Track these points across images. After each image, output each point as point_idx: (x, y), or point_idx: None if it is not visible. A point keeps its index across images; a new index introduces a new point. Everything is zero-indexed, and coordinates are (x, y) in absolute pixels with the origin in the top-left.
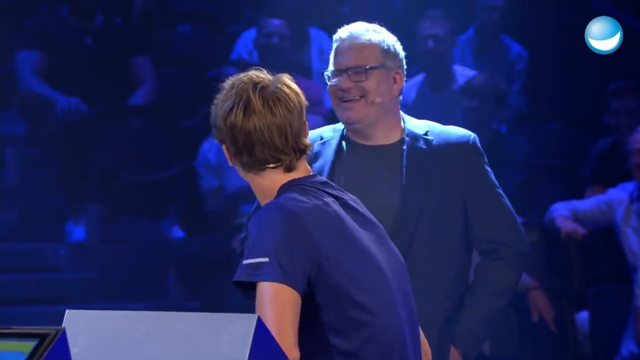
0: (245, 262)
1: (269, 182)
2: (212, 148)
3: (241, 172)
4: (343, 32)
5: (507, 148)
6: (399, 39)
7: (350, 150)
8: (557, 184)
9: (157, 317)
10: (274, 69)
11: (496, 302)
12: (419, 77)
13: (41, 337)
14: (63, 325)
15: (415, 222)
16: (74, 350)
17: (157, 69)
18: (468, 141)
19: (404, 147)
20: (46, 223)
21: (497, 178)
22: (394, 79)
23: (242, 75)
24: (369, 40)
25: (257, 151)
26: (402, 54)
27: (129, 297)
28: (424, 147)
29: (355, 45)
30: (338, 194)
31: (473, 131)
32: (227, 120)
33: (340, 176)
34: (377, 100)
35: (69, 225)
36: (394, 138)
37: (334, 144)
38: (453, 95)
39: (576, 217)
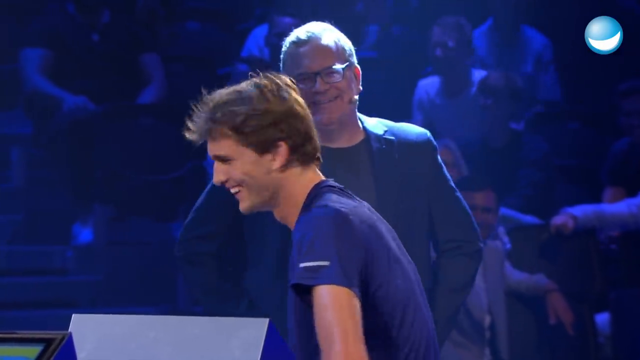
0: (303, 264)
1: (305, 181)
2: None
3: (278, 174)
4: (301, 33)
5: (524, 148)
6: (415, 37)
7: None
8: (575, 185)
9: (166, 322)
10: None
11: (459, 297)
12: (433, 78)
13: (47, 342)
14: (69, 330)
15: (394, 224)
16: (80, 355)
17: (166, 66)
18: (427, 138)
19: (370, 148)
20: (52, 225)
21: (513, 178)
22: (355, 75)
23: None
24: (331, 39)
25: (314, 140)
26: (353, 49)
27: (137, 301)
28: (386, 147)
29: (320, 47)
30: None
31: (489, 130)
32: (283, 108)
33: None
34: (353, 98)
35: (75, 227)
36: (356, 139)
37: None
38: (470, 100)
39: (603, 220)
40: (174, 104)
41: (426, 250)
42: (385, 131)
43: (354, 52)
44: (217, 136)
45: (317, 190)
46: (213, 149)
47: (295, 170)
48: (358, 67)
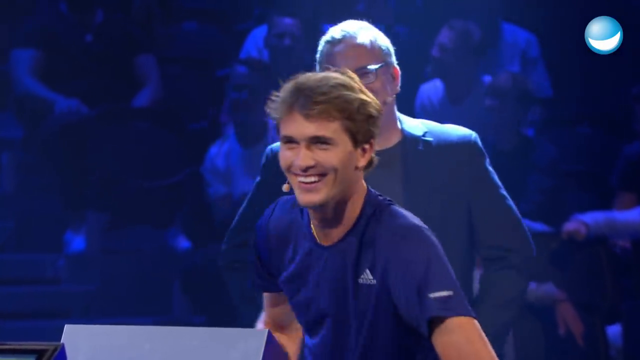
0: (434, 295)
1: (363, 187)
2: (220, 153)
3: (358, 172)
4: (336, 32)
5: (532, 152)
6: (419, 37)
7: None
8: (586, 191)
9: (161, 333)
10: (285, 70)
11: (505, 315)
12: (434, 82)
13: (39, 354)
14: (62, 341)
15: None
16: None
17: (162, 68)
18: (469, 141)
19: (404, 151)
20: (44, 232)
21: (521, 184)
22: (393, 75)
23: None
24: (367, 38)
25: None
26: (392, 49)
27: (132, 311)
28: (422, 149)
29: (354, 46)
30: None
31: (496, 134)
32: (378, 105)
33: None
34: (388, 100)
35: (68, 235)
36: (392, 141)
37: None
38: (474, 105)
39: (615, 227)
40: (170, 107)
41: (460, 262)
42: (425, 132)
43: (392, 51)
44: (325, 116)
45: (374, 200)
46: (313, 129)
47: (363, 174)
48: (397, 67)
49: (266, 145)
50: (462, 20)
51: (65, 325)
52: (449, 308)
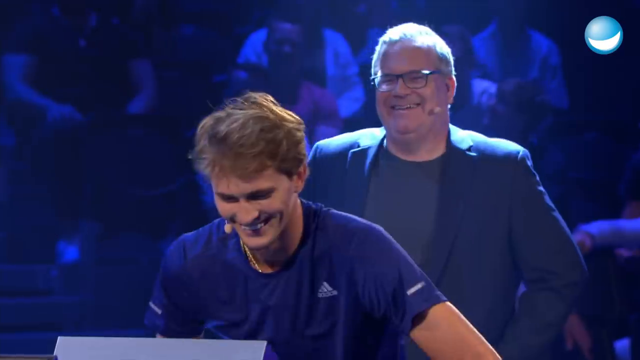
0: (410, 291)
1: (298, 205)
2: None
3: (289, 199)
4: (394, 34)
5: (539, 160)
6: None
7: (388, 165)
8: (594, 200)
9: (157, 345)
10: (285, 77)
11: (539, 338)
12: None
13: None
14: (54, 354)
15: (448, 249)
16: None
17: (157, 73)
18: (516, 158)
19: (445, 165)
20: (36, 242)
21: None
22: (447, 85)
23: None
24: (424, 43)
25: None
26: (452, 58)
27: (127, 323)
28: (465, 164)
29: (410, 48)
30: None
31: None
32: (299, 124)
33: (375, 195)
34: (436, 109)
35: (61, 245)
36: (437, 153)
37: (370, 154)
38: (471, 112)
39: (622, 237)
40: (166, 113)
41: (493, 282)
42: (470, 146)
43: (451, 60)
44: (259, 170)
45: (311, 211)
46: (251, 186)
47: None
48: (453, 78)
49: None
50: (452, 26)
51: (59, 338)
52: (426, 299)
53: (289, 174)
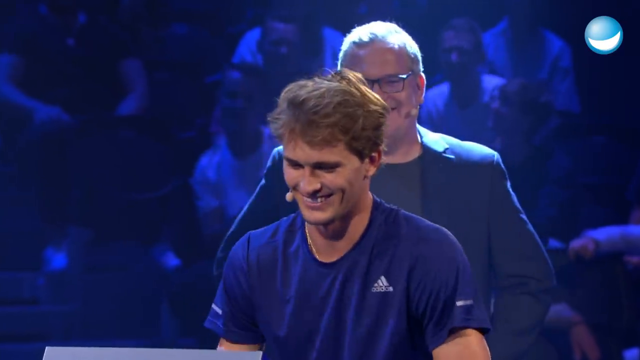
0: (460, 303)
1: (369, 194)
2: (212, 164)
3: (366, 182)
4: (362, 34)
5: (545, 163)
6: (424, 40)
7: None
8: (603, 206)
9: (148, 355)
10: (281, 77)
11: (520, 344)
12: (442, 88)
13: None
14: None
15: None
16: None
17: (148, 73)
18: (492, 161)
19: (424, 167)
20: (22, 249)
21: (533, 198)
22: (418, 85)
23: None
24: (396, 44)
25: None
26: (420, 56)
27: (117, 332)
28: (442, 167)
29: (383, 51)
30: None
31: (506, 144)
32: (382, 109)
33: None
34: (412, 111)
35: (48, 252)
36: (411, 155)
37: None
38: (481, 109)
39: (631, 243)
40: (157, 114)
41: (479, 284)
42: (446, 149)
43: (420, 58)
44: (329, 141)
45: (382, 207)
46: (317, 155)
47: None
48: (423, 75)
49: (260, 156)
50: (461, 18)
51: (46, 348)
52: (471, 318)
53: (361, 155)
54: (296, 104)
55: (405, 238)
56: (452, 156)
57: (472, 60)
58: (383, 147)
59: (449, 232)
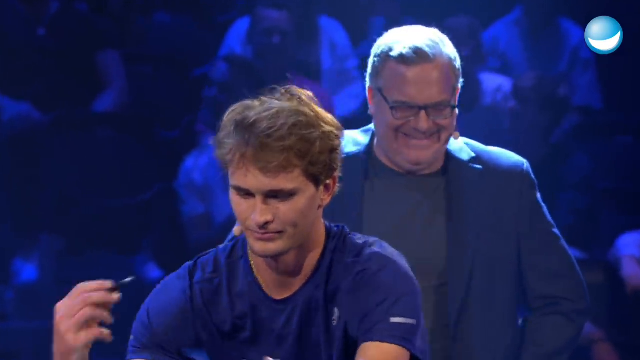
0: (395, 320)
1: (321, 224)
2: (197, 166)
3: (310, 211)
4: (406, 49)
5: (563, 166)
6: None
7: (382, 178)
8: (626, 213)
9: None
10: (273, 71)
11: None
12: None
13: None
14: None
15: (468, 276)
16: None
17: (128, 66)
18: (522, 170)
19: (449, 179)
20: None
21: (550, 203)
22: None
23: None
24: (444, 62)
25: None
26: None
27: (93, 351)
28: (469, 178)
29: (433, 74)
30: None
31: (518, 142)
32: (339, 129)
33: (373, 212)
34: (454, 135)
35: (17, 263)
36: (436, 166)
37: (358, 165)
38: (482, 114)
39: None
40: (138, 112)
41: (511, 306)
42: (472, 158)
43: (460, 69)
44: (284, 167)
45: (333, 232)
46: (271, 183)
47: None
48: (458, 86)
49: None
50: (458, 17)
51: None
52: (408, 339)
53: (317, 182)
54: (246, 126)
55: (350, 268)
56: (480, 166)
57: (470, 63)
58: (338, 173)
59: (396, 256)
